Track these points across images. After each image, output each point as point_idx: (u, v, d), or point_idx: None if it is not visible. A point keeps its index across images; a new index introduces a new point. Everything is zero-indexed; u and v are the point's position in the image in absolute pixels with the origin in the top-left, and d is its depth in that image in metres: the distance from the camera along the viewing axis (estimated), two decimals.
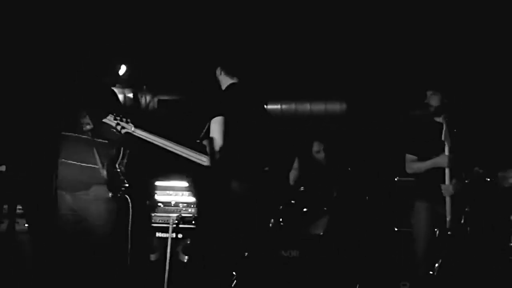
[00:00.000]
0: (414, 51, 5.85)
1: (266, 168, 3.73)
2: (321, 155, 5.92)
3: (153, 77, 6.77)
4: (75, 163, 3.92)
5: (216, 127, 3.67)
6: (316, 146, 5.97)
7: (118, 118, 3.72)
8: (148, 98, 7.09)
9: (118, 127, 3.71)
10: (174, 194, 5.67)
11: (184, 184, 5.68)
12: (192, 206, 5.57)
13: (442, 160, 4.22)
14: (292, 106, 7.44)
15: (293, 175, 5.90)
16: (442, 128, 4.27)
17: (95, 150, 3.95)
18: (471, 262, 4.33)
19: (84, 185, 3.89)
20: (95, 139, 3.92)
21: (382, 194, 5.88)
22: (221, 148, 3.61)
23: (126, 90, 6.97)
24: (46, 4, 4.90)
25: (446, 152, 4.21)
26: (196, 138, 4.09)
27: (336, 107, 7.22)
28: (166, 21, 5.52)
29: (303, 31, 5.66)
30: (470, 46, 5.65)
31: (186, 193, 5.67)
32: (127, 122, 3.74)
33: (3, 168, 4.81)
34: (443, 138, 4.18)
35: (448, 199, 4.19)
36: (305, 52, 6.09)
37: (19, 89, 5.14)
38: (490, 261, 4.74)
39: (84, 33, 5.25)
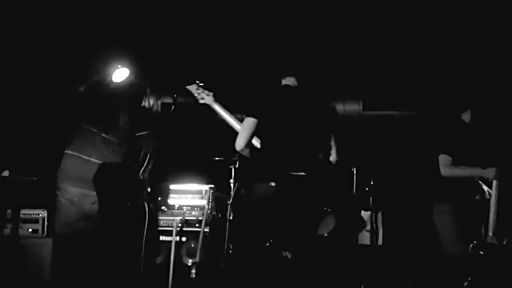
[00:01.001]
0: (415, 49, 5.82)
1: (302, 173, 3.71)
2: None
3: (156, 80, 6.76)
4: (86, 158, 3.90)
5: (244, 125, 3.70)
6: None
7: (201, 88, 3.95)
8: (151, 101, 7.08)
9: (198, 96, 3.94)
10: (178, 198, 5.65)
11: (195, 187, 5.67)
12: (196, 209, 5.56)
13: (489, 172, 4.12)
14: None
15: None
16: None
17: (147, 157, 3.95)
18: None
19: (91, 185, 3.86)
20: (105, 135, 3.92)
21: (383, 193, 5.85)
22: (242, 150, 3.68)
23: None
24: (48, 7, 4.91)
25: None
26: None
27: (339, 108, 7.19)
28: (170, 24, 5.52)
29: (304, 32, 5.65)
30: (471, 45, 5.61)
31: (196, 196, 5.66)
32: (207, 95, 3.91)
33: (6, 173, 4.81)
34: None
35: (494, 205, 4.01)
36: (307, 53, 6.06)
37: (20, 94, 5.15)
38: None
39: (86, 35, 5.26)
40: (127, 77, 5.96)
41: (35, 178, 5.04)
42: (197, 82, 3.96)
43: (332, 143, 3.85)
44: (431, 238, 4.56)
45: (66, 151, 3.92)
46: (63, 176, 3.87)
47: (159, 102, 7.24)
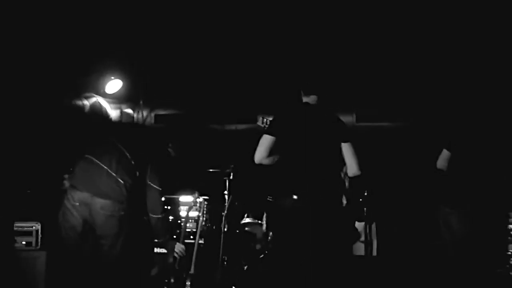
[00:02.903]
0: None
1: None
2: None
3: (149, 92, 6.78)
4: (101, 165, 3.99)
5: (261, 141, 3.91)
6: None
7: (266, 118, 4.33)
8: (145, 113, 7.09)
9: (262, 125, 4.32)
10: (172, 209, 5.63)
11: (188, 198, 5.64)
12: (190, 221, 5.54)
13: None
14: None
15: None
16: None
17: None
18: None
19: (100, 193, 3.93)
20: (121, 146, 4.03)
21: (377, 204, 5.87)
22: (257, 164, 3.91)
23: (123, 106, 6.98)
24: (41, 24, 4.92)
25: None
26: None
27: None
28: (164, 35, 5.54)
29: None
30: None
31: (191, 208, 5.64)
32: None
33: None
34: None
35: None
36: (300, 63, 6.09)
37: (15, 108, 5.15)
38: None
39: (82, 46, 5.27)
40: (120, 89, 6.02)
41: (29, 191, 5.06)
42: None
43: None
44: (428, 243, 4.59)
45: (85, 156, 4.03)
46: (73, 180, 3.97)
47: (152, 114, 7.25)
